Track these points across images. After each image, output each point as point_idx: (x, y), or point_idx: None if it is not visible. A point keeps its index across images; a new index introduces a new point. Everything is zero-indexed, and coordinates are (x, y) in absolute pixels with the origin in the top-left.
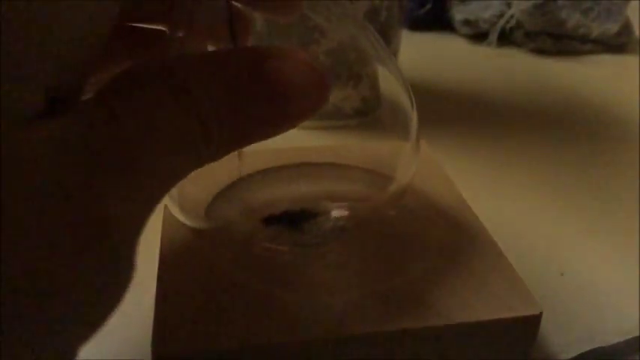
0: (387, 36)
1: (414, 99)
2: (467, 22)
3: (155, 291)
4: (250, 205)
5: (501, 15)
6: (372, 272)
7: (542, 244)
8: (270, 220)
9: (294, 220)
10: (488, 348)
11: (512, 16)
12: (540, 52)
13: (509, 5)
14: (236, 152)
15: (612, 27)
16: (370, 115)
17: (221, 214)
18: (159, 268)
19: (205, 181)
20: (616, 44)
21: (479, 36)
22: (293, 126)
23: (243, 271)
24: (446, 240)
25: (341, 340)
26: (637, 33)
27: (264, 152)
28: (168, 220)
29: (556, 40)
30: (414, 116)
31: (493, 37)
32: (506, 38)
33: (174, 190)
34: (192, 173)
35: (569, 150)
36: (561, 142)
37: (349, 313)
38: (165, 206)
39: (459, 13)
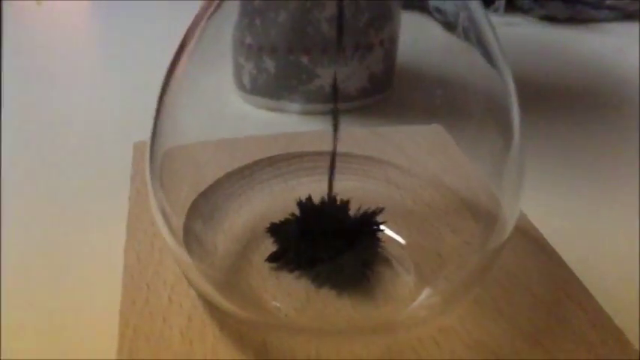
0: (388, 15)
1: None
2: None
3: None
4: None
5: None
6: None
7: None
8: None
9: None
10: None
11: None
12: (551, 19)
13: None
14: None
15: None
16: (380, 95)
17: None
18: (121, 306)
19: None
20: (633, 11)
21: (484, 3)
22: None
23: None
24: (514, 272)
25: None
26: None
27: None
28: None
29: (568, 6)
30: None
31: (500, 3)
32: (513, 4)
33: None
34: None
35: (591, 129)
36: (579, 118)
37: None
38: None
39: None
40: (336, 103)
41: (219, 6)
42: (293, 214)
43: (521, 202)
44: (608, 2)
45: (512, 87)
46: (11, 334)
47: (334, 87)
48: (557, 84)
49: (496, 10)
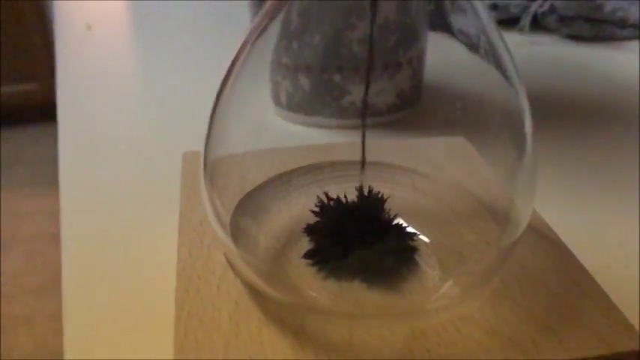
0: (416, 35)
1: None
2: (495, 7)
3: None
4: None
5: None
6: None
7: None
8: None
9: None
10: None
11: (545, 0)
12: (575, 38)
13: None
14: None
15: None
16: (407, 110)
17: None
18: (177, 293)
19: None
20: None
21: (509, 22)
22: None
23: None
24: (529, 266)
25: None
26: None
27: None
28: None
29: (592, 25)
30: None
31: (525, 22)
32: (538, 24)
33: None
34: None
35: (616, 144)
36: (604, 135)
37: (427, 351)
38: (181, 215)
39: None
40: (366, 104)
41: (264, 29)
42: (327, 214)
43: (539, 205)
44: (631, 21)
45: (526, 103)
46: (77, 322)
47: (364, 100)
48: (581, 100)
49: (521, 29)
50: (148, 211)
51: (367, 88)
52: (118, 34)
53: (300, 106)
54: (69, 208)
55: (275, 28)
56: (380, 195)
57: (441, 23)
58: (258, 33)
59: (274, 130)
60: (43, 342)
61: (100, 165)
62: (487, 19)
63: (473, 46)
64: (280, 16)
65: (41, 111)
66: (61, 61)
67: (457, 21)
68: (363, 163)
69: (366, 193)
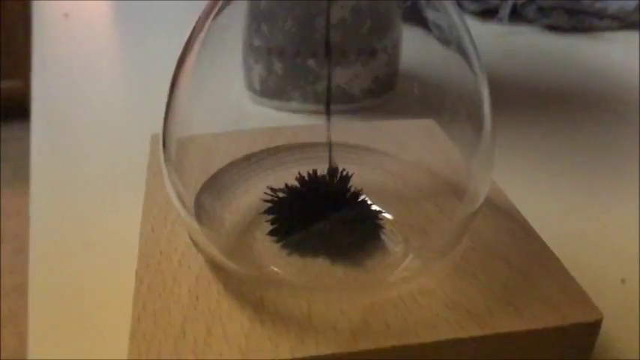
0: (390, 23)
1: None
2: None
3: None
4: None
5: None
6: None
7: (602, 248)
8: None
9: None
10: (545, 358)
11: None
12: (554, 28)
13: None
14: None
15: (631, 2)
16: (383, 96)
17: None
18: (137, 267)
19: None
20: (635, 20)
21: (487, 12)
22: None
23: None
24: (491, 242)
25: (364, 352)
26: None
27: None
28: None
29: (571, 16)
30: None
31: (504, 12)
32: (517, 14)
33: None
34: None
35: (595, 133)
36: (582, 124)
37: (386, 324)
38: (147, 193)
39: None
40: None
41: (222, 7)
42: (288, 191)
43: (510, 185)
44: (610, 12)
45: (486, 90)
46: (42, 290)
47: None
48: (559, 91)
49: (501, 20)
50: (120, 189)
51: (329, 77)
52: (96, 22)
53: (274, 91)
54: (40, 195)
55: (238, 6)
56: (345, 173)
57: (417, 17)
58: (216, 10)
59: (248, 115)
60: None
61: (76, 154)
62: (456, 16)
63: (444, 39)
64: None
65: (25, 108)
66: (36, 50)
67: (431, 15)
68: (329, 141)
69: (331, 171)
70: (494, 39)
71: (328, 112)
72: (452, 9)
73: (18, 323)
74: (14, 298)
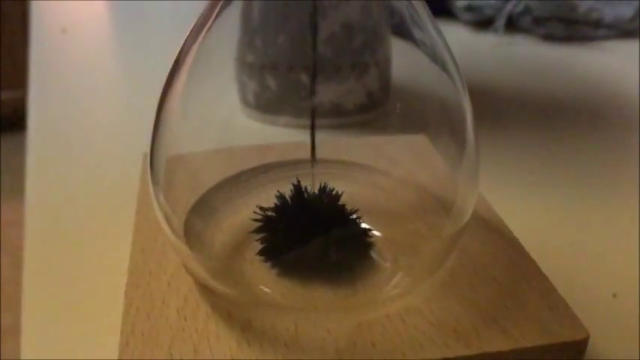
0: (380, 38)
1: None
2: (469, 9)
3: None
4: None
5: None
6: None
7: (592, 262)
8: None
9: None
10: None
11: (519, 1)
12: (550, 38)
13: None
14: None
15: (626, 11)
16: (376, 110)
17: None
18: (127, 288)
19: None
20: (630, 29)
21: (483, 23)
22: None
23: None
24: (478, 260)
25: None
26: None
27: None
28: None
29: (567, 26)
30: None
31: (500, 23)
32: (513, 25)
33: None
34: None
35: (592, 145)
36: (579, 135)
37: (372, 344)
38: (137, 213)
39: None
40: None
41: (214, 21)
42: (281, 212)
43: (498, 202)
44: (606, 22)
45: (468, 104)
46: (36, 310)
47: (311, 89)
48: (556, 101)
49: (496, 31)
50: (119, 212)
51: (312, 89)
52: (94, 37)
53: (268, 106)
54: (35, 208)
55: (225, 24)
56: (334, 192)
57: (405, 33)
58: (207, 27)
59: (243, 131)
60: None
61: (72, 170)
62: (435, 34)
63: (430, 55)
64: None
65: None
66: (34, 65)
67: (417, 33)
68: (312, 159)
69: (321, 190)
70: (489, 49)
71: (313, 129)
72: (430, 28)
73: (19, 335)
74: (15, 309)
